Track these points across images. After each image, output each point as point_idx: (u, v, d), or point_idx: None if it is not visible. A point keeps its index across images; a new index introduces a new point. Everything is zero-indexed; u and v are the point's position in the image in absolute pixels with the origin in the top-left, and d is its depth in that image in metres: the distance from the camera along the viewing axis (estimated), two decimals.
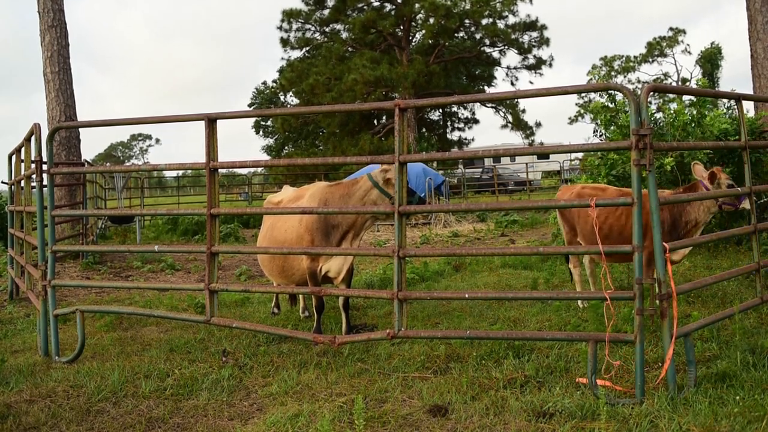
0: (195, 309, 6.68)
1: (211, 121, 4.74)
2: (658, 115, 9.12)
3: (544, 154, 37.20)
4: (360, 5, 30.77)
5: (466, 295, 4.45)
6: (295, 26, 31.64)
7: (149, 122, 5.22)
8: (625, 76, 51.04)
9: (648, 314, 3.73)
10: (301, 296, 6.51)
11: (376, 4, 30.82)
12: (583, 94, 47.35)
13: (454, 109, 35.88)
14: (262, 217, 6.66)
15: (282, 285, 6.00)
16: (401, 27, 30.59)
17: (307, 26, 32.06)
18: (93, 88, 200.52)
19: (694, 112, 8.85)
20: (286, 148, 39.44)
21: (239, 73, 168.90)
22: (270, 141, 45.24)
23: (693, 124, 8.61)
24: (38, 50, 11.91)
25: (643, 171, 3.76)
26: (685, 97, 9.27)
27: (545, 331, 4.69)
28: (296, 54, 32.47)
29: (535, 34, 30.72)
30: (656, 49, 50.62)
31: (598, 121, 9.44)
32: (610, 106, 9.29)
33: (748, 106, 12.38)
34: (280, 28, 31.45)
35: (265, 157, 44.18)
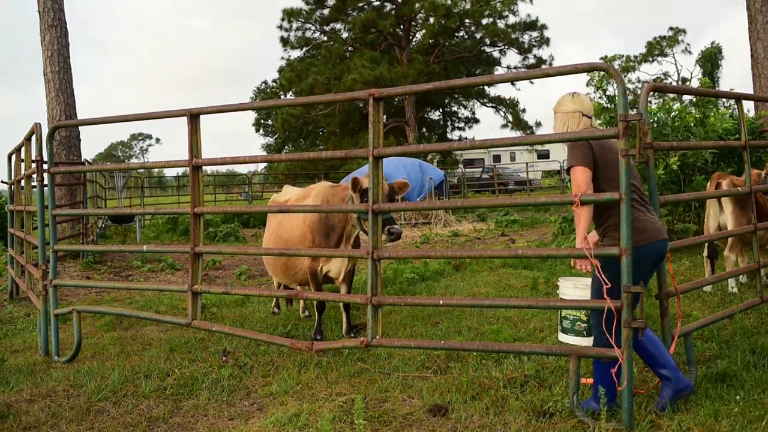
0: None
1: (193, 117, 4.60)
2: (661, 115, 9.11)
3: (544, 154, 37.23)
4: (360, 5, 30.79)
5: (441, 302, 4.10)
6: (295, 25, 31.66)
7: (136, 119, 5.14)
8: (625, 76, 50.99)
9: (638, 326, 3.29)
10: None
11: (376, 3, 30.85)
12: (584, 93, 47.14)
13: (454, 108, 35.95)
14: (266, 216, 6.69)
15: (266, 287, 6.01)
16: (401, 27, 30.61)
17: (308, 25, 32.08)
18: (98, 80, 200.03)
19: (694, 111, 8.85)
20: (286, 147, 39.45)
21: (252, 66, 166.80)
22: (270, 140, 45.24)
23: (696, 125, 8.61)
24: (39, 47, 11.92)
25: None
26: (686, 97, 9.27)
27: (524, 344, 4.36)
28: (296, 53, 32.51)
29: (535, 34, 30.75)
30: (656, 48, 50.57)
31: (599, 122, 9.42)
32: (610, 107, 9.28)
33: (749, 106, 12.38)
34: (281, 27, 31.49)
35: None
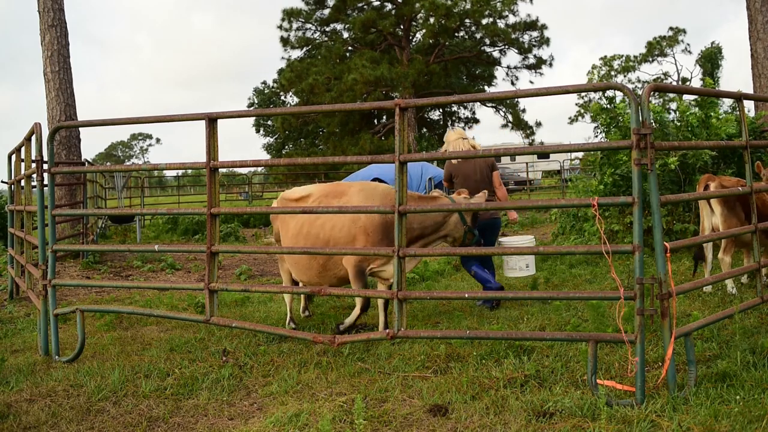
0: (195, 308, 6.68)
1: (211, 121, 4.75)
2: (666, 115, 9.09)
3: (544, 154, 37.23)
4: (360, 5, 30.78)
5: (466, 295, 4.44)
6: (295, 25, 31.66)
7: (149, 122, 5.22)
8: (625, 76, 51.06)
9: (648, 314, 3.71)
10: (302, 296, 6.49)
11: (377, 3, 30.84)
12: (583, 94, 47.33)
13: (455, 108, 35.92)
14: (275, 217, 6.24)
15: (283, 285, 6.00)
16: (401, 27, 30.60)
17: (308, 26, 32.08)
18: (98, 78, 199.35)
19: (698, 112, 8.84)
20: (286, 147, 39.47)
21: (254, 65, 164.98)
22: (270, 140, 45.26)
23: (699, 126, 8.60)
24: (39, 46, 11.90)
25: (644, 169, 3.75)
26: (687, 97, 9.26)
27: (545, 332, 4.67)
28: (296, 53, 32.50)
29: (535, 34, 30.75)
30: (656, 48, 50.60)
31: (599, 123, 9.44)
32: (609, 107, 9.29)
33: (749, 106, 12.38)
34: (281, 27, 31.47)
35: (266, 155, 44.21)
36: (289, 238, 5.82)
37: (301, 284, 5.96)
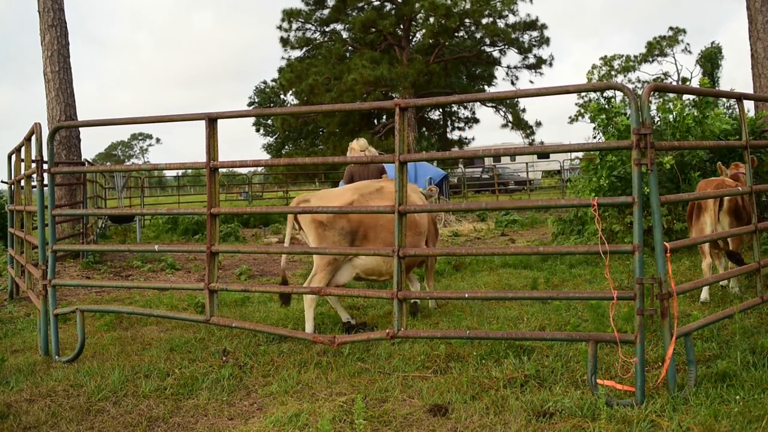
0: (195, 308, 6.68)
1: (211, 121, 4.76)
2: (655, 114, 9.14)
3: (544, 154, 37.26)
4: (360, 5, 30.80)
5: (466, 295, 4.46)
6: (295, 26, 31.67)
7: (149, 122, 5.23)
8: (625, 76, 51.10)
9: (648, 314, 3.71)
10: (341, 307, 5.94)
11: (376, 3, 30.85)
12: (582, 94, 47.44)
13: (454, 108, 35.94)
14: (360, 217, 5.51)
15: (279, 286, 5.98)
16: (401, 26, 30.61)
17: (308, 26, 32.09)
18: (98, 77, 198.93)
19: (696, 113, 8.86)
20: (286, 147, 39.50)
21: (255, 64, 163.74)
22: (270, 140, 45.28)
23: (695, 124, 8.63)
24: (38, 45, 11.89)
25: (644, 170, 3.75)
26: (686, 97, 9.27)
27: (545, 332, 4.67)
28: (296, 54, 32.51)
29: (535, 34, 30.77)
30: (656, 48, 50.63)
31: (596, 123, 9.45)
32: (607, 107, 9.29)
33: (749, 106, 12.39)
34: (280, 27, 31.48)
35: (266, 155, 44.26)
36: (372, 236, 5.55)
37: (381, 277, 5.74)
